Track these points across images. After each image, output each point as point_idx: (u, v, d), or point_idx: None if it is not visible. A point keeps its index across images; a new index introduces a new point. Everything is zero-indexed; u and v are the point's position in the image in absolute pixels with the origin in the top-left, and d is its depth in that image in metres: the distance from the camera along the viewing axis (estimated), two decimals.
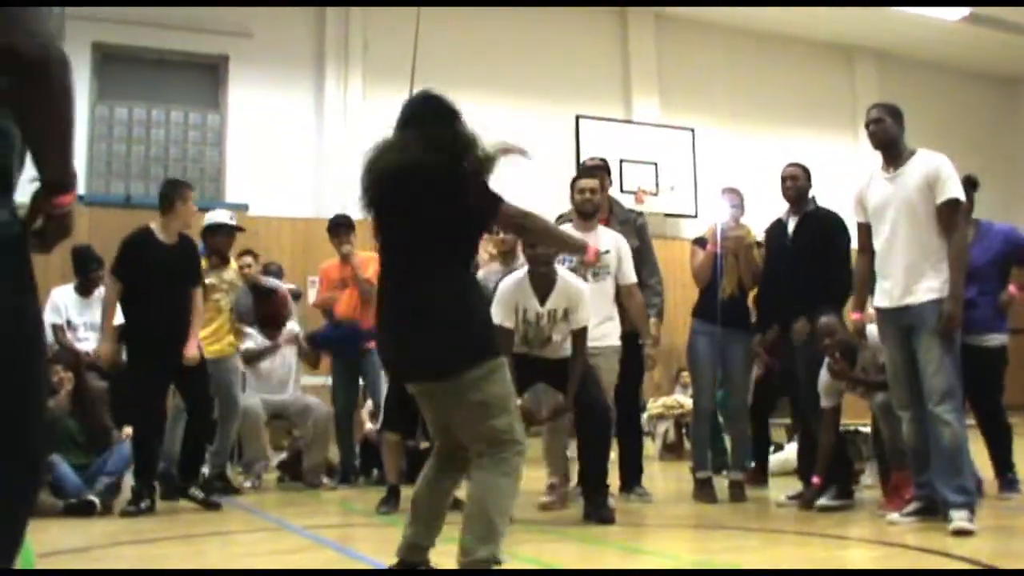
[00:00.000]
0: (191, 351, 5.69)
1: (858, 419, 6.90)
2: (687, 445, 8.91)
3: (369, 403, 7.51)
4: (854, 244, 5.26)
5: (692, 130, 13.78)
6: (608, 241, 5.62)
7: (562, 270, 5.08)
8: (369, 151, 3.20)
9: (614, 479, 5.89)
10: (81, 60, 10.86)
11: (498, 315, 4.82)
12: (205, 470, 6.44)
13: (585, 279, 5.33)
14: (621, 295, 5.61)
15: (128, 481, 5.72)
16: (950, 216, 4.55)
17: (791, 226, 5.83)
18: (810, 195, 5.87)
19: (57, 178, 1.71)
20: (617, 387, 5.54)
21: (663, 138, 13.62)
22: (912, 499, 4.79)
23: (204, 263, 6.40)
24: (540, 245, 4.69)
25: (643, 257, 6.00)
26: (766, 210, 6.31)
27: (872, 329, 4.98)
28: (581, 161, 12.20)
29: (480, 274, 5.50)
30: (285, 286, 8.73)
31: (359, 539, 4.81)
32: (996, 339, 5.66)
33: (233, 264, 7.00)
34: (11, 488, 1.63)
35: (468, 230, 3.20)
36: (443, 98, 3.27)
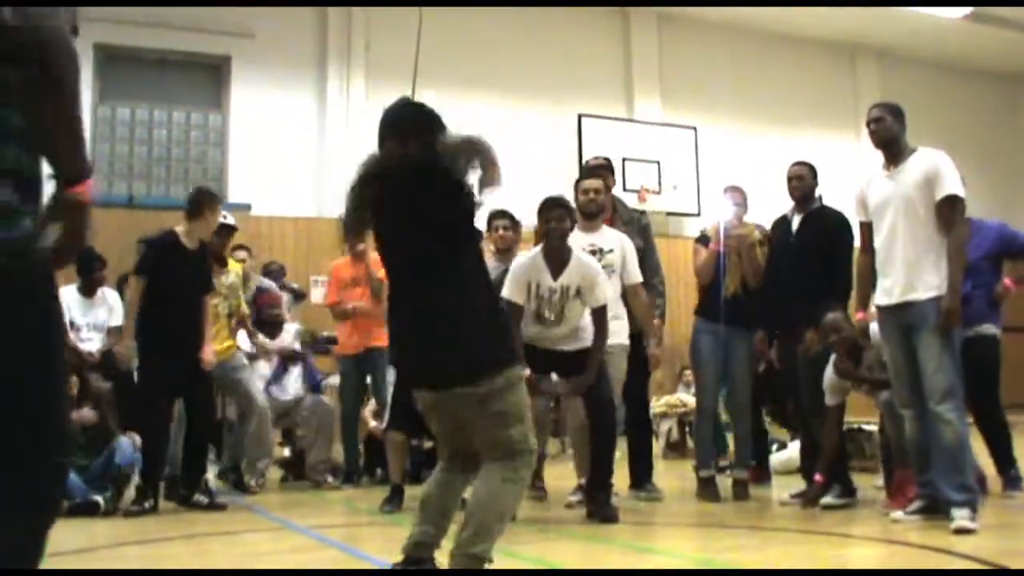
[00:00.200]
0: (208, 355, 5.81)
1: (862, 417, 6.91)
2: (690, 444, 8.91)
3: (372, 402, 7.51)
4: (857, 243, 5.26)
5: (694, 128, 13.80)
6: (613, 241, 5.64)
7: (577, 250, 5.11)
8: (360, 167, 3.17)
9: (623, 477, 5.92)
10: (83, 61, 10.79)
11: (509, 291, 4.90)
12: (211, 474, 6.44)
13: None
14: (627, 294, 5.62)
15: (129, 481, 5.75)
16: (949, 213, 4.55)
17: (795, 224, 5.84)
18: (816, 194, 5.87)
19: (73, 172, 1.71)
20: (625, 385, 5.56)
21: (666, 137, 13.63)
22: (915, 497, 4.79)
23: None
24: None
25: (646, 257, 6.01)
26: (769, 208, 6.31)
27: (876, 327, 4.99)
28: (583, 160, 12.21)
29: None
30: (290, 285, 8.74)
31: (364, 538, 4.82)
32: (991, 329, 5.68)
33: (236, 267, 6.96)
34: (40, 497, 1.64)
35: (471, 231, 3.21)
36: (424, 105, 3.25)
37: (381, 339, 6.38)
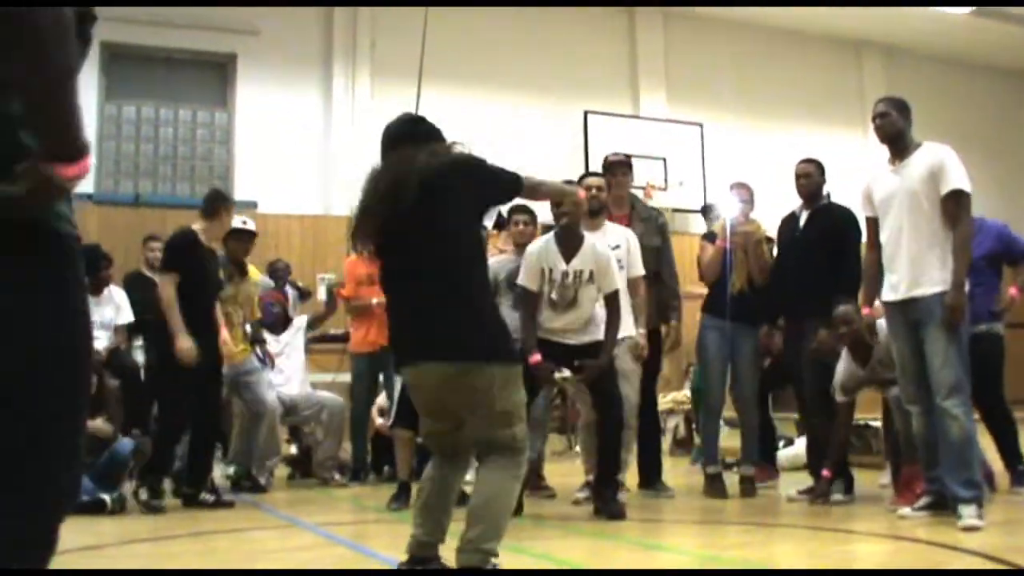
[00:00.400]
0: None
1: (868, 414, 6.89)
2: (697, 440, 8.92)
3: (379, 399, 7.51)
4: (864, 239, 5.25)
5: (700, 125, 13.76)
6: (617, 236, 5.65)
7: (590, 236, 5.12)
8: (368, 178, 3.28)
9: (633, 475, 5.92)
10: (89, 59, 10.81)
11: (524, 278, 5.05)
12: (217, 472, 6.45)
13: None
14: (628, 286, 5.61)
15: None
16: (955, 207, 4.53)
17: (803, 220, 5.83)
18: (825, 191, 5.87)
19: (61, 147, 1.50)
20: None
21: (671, 133, 13.60)
22: (923, 493, 4.78)
23: (221, 273, 6.26)
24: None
25: (663, 256, 6.03)
26: (775, 205, 6.30)
27: (883, 323, 4.98)
28: (589, 157, 12.21)
29: (491, 262, 5.52)
30: (296, 284, 8.73)
31: (371, 536, 4.82)
32: (994, 327, 5.66)
33: (255, 276, 6.92)
34: (57, 492, 1.63)
35: (474, 230, 3.29)
36: (425, 119, 3.39)
37: None
